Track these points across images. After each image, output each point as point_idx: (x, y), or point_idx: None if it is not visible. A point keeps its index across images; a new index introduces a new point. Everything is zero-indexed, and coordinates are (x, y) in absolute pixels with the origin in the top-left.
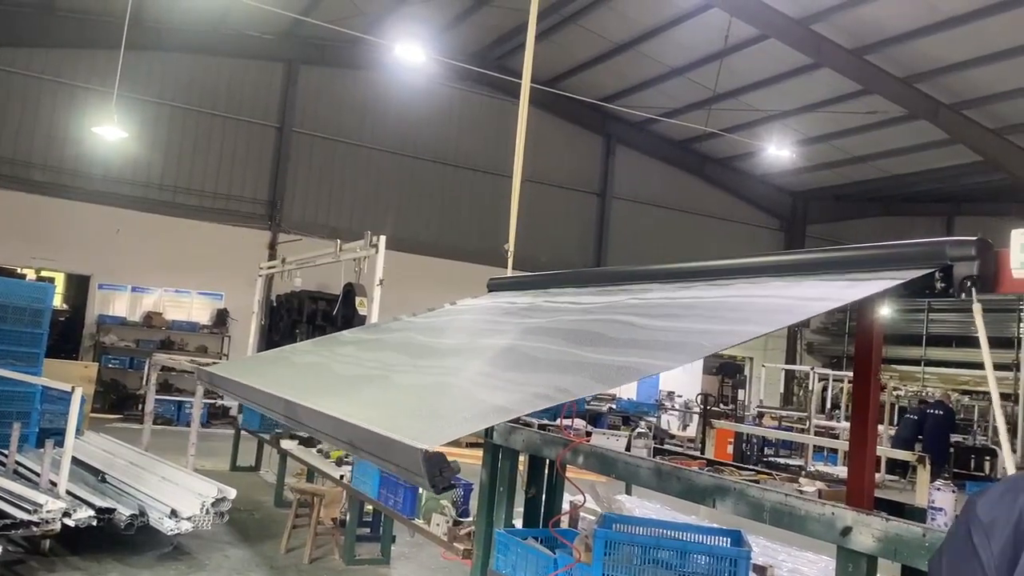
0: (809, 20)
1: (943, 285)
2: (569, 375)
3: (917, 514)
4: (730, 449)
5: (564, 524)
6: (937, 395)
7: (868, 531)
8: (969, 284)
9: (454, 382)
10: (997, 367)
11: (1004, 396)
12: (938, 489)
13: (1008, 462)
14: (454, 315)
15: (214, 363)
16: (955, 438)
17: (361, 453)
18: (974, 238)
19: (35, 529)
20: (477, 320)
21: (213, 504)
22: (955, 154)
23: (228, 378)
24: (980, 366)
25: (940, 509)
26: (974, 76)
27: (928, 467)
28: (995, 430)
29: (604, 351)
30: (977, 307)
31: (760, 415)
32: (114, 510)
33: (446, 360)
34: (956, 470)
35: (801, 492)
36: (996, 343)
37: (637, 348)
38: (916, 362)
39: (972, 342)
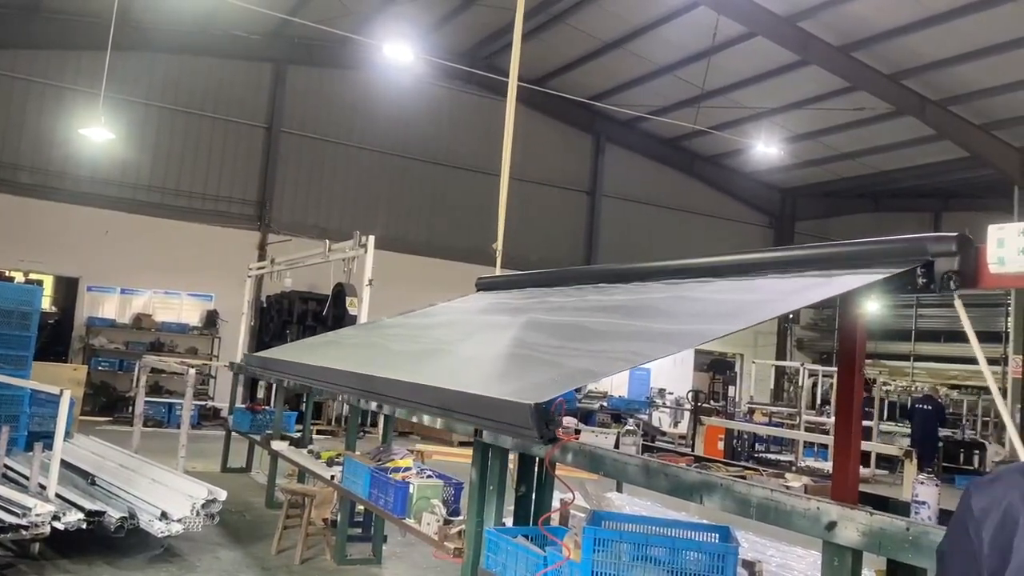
0: (796, 17)
1: (924, 281)
2: (640, 342)
3: (901, 508)
4: (721, 445)
5: (554, 522)
6: (925, 390)
7: (853, 525)
8: (950, 280)
9: (524, 352)
10: (986, 361)
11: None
12: (921, 483)
13: (1021, 451)
14: (494, 298)
15: (205, 364)
16: (944, 432)
17: (455, 415)
18: (954, 234)
19: (24, 533)
20: (521, 303)
21: (204, 506)
22: (942, 150)
23: (284, 360)
24: (968, 360)
25: (924, 503)
26: (960, 72)
27: (915, 461)
28: (984, 424)
29: (666, 321)
30: (958, 303)
31: (751, 411)
32: (104, 513)
33: (505, 334)
34: (946, 464)
35: (787, 487)
36: (983, 337)
37: (698, 317)
38: (905, 357)
39: (961, 337)
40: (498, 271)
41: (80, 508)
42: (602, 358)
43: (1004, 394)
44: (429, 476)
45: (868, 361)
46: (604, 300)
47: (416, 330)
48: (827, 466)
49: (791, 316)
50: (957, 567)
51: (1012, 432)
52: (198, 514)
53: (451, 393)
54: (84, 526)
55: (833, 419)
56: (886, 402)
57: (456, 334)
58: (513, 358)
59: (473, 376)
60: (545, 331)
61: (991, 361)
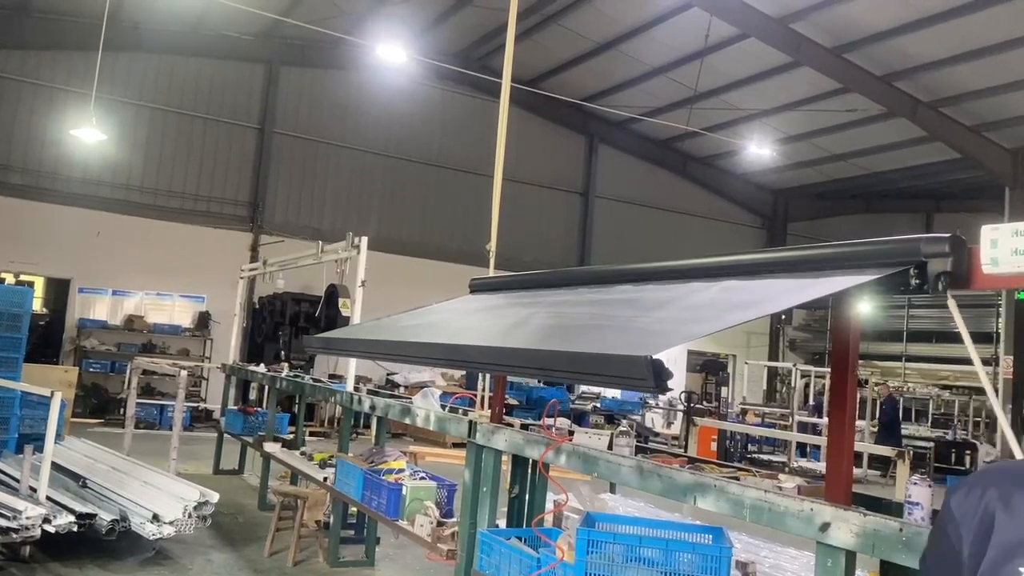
0: (788, 19)
1: (918, 281)
2: (718, 309)
3: (894, 509)
4: (714, 446)
5: (548, 523)
6: (879, 391)
7: (846, 526)
8: (943, 280)
9: (601, 322)
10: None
11: (983, 391)
12: (915, 484)
13: (1017, 452)
14: (529, 284)
15: (197, 365)
16: (936, 432)
17: (556, 374)
18: (947, 235)
19: (15, 536)
20: (565, 288)
21: (196, 508)
22: (934, 151)
23: (351, 338)
24: (959, 361)
25: (917, 504)
26: (951, 74)
27: (908, 462)
28: (976, 424)
29: (735, 293)
30: (952, 303)
31: (743, 412)
32: (95, 515)
33: (573, 309)
34: (938, 464)
35: (780, 488)
36: (974, 338)
37: (756, 292)
38: (897, 358)
39: (951, 337)
40: (491, 272)
41: (71, 511)
42: (691, 322)
43: (996, 393)
44: (422, 478)
45: (860, 362)
46: (651, 286)
47: (469, 313)
48: (820, 466)
49: (783, 317)
50: (938, 569)
51: (1005, 426)
52: (190, 516)
53: (553, 354)
54: (75, 529)
55: (826, 419)
56: (878, 403)
57: (520, 312)
58: (592, 327)
59: (564, 339)
60: (611, 306)
61: (983, 362)
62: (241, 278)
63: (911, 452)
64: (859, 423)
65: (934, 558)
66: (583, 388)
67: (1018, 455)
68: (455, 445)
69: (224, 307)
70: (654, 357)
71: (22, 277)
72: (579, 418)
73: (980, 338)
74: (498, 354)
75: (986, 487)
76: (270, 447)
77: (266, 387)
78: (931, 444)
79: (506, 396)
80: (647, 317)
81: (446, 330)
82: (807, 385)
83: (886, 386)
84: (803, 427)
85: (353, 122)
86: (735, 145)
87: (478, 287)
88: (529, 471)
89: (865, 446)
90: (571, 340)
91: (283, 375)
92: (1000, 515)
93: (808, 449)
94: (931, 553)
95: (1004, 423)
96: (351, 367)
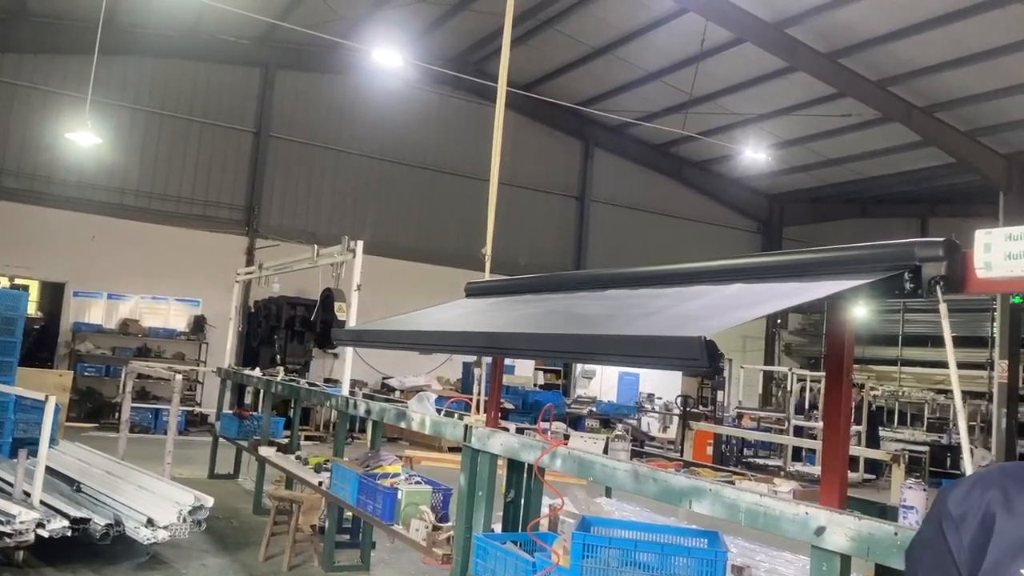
0: (784, 24)
1: (912, 286)
2: (747, 300)
3: (889, 513)
4: (710, 450)
5: (543, 528)
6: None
7: (841, 530)
8: (937, 285)
9: (639, 312)
10: (972, 366)
11: (979, 395)
12: (910, 488)
13: (968, 462)
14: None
15: (192, 369)
16: (932, 436)
17: (605, 358)
18: (941, 239)
19: (8, 540)
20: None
21: (190, 512)
22: (929, 156)
23: (385, 330)
24: (956, 365)
25: (912, 507)
26: (946, 79)
27: (903, 466)
28: (970, 429)
29: (756, 287)
30: (943, 308)
31: (739, 416)
32: (89, 520)
33: (599, 302)
34: (932, 468)
35: (776, 492)
36: (971, 342)
37: (772, 289)
38: (893, 362)
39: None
40: (487, 276)
41: (65, 515)
42: (730, 309)
43: (991, 398)
44: (418, 482)
45: (855, 366)
46: (700, 286)
47: (494, 308)
48: (816, 470)
49: (779, 321)
50: (930, 568)
51: (963, 432)
52: (185, 521)
53: (604, 337)
54: (69, 533)
55: (822, 424)
56: (874, 407)
57: (549, 304)
58: (632, 316)
59: (608, 325)
60: (638, 299)
61: (977, 366)
62: (237, 282)
63: (907, 456)
64: (855, 428)
65: (925, 556)
66: (579, 392)
67: (969, 468)
68: (451, 449)
69: (219, 311)
70: (709, 339)
71: (17, 281)
72: (575, 422)
73: (976, 342)
74: (545, 340)
75: (987, 487)
76: (265, 451)
77: (261, 391)
78: (926, 448)
79: (501, 400)
80: (679, 308)
81: (482, 321)
82: (803, 389)
83: (859, 394)
84: (799, 431)
85: (349, 126)
86: (731, 150)
87: (474, 291)
88: (525, 475)
89: (860, 450)
90: (616, 326)
91: (278, 379)
92: (1001, 516)
93: (804, 453)
94: (922, 552)
95: (963, 428)
96: (347, 371)
